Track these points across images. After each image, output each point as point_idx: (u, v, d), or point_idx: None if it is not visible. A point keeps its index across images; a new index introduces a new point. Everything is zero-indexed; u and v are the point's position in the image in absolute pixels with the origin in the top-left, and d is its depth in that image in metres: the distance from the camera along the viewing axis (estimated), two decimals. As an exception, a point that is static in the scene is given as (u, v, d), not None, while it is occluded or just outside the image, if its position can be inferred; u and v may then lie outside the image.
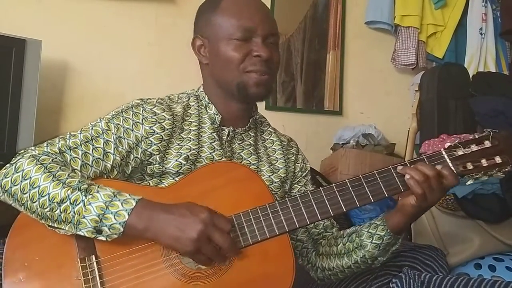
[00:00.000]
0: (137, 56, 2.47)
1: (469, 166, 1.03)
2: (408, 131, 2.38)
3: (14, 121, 1.89)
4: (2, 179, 0.97)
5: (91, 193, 0.93)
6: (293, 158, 1.29)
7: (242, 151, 1.21)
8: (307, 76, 2.74)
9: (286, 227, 1.00)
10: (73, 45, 2.35)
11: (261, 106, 2.65)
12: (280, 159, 1.26)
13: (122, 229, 0.92)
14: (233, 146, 1.20)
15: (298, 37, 2.74)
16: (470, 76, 2.36)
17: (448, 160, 1.04)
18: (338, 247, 1.16)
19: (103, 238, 0.93)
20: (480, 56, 2.67)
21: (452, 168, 1.03)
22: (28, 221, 0.97)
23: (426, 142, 1.98)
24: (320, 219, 1.02)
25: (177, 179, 1.09)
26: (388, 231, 1.07)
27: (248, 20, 1.13)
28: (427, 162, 1.04)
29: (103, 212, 0.91)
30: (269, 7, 2.59)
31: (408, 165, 1.04)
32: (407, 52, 2.71)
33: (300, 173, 1.29)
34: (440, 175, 1.01)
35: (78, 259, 0.95)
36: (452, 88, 2.24)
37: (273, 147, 1.27)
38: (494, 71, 2.65)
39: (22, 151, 1.01)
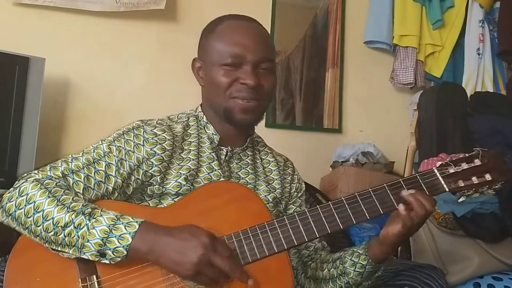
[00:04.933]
0: (139, 73, 2.49)
1: (461, 183, 1.07)
2: (407, 149, 2.40)
3: (16, 137, 1.89)
4: (6, 203, 0.97)
5: (94, 217, 0.94)
6: (289, 178, 1.30)
7: (240, 171, 1.22)
8: (306, 94, 2.76)
9: (284, 244, 1.01)
10: (75, 63, 2.37)
11: (260, 123, 2.68)
12: (276, 179, 1.27)
13: (125, 252, 0.92)
14: (231, 166, 1.21)
15: (298, 55, 2.77)
16: (468, 95, 2.39)
17: (440, 178, 1.06)
18: (323, 272, 1.17)
19: (107, 261, 0.93)
20: (478, 76, 2.69)
21: (445, 185, 1.05)
22: (30, 243, 0.98)
23: (425, 160, 1.99)
24: (317, 236, 1.03)
25: (176, 200, 1.10)
26: (369, 261, 1.09)
27: (239, 46, 1.14)
28: (420, 180, 1.07)
29: (106, 235, 0.92)
30: (269, 26, 2.68)
31: (403, 184, 1.06)
32: (406, 71, 2.73)
33: (295, 193, 1.30)
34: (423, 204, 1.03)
35: (79, 279, 0.95)
36: (450, 107, 2.26)
37: (269, 167, 1.28)
38: (491, 90, 2.67)
39: (26, 174, 1.02)
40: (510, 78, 2.77)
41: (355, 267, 1.11)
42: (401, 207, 1.03)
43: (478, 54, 2.71)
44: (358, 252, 1.11)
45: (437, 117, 2.24)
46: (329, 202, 1.05)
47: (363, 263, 1.10)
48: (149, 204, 1.12)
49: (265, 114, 2.85)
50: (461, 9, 2.79)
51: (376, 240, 1.09)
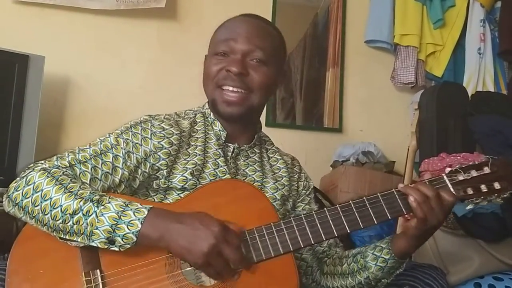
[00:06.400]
0: (138, 72, 2.49)
1: (469, 191, 1.06)
2: (408, 149, 2.39)
3: (16, 136, 1.89)
4: (13, 192, 0.96)
5: (103, 203, 0.93)
6: (296, 176, 1.30)
7: (247, 168, 1.21)
8: (307, 93, 2.76)
9: (290, 246, 1.00)
10: (75, 61, 2.37)
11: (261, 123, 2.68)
12: (285, 176, 1.27)
13: (135, 239, 0.91)
14: (238, 163, 1.21)
15: (298, 54, 2.77)
16: (469, 95, 2.38)
17: (449, 185, 1.06)
18: (343, 267, 1.16)
19: (116, 249, 0.92)
20: (479, 76, 2.69)
21: (454, 192, 1.05)
22: (32, 235, 0.97)
23: (426, 160, 1.99)
24: (324, 239, 1.02)
25: (181, 195, 1.10)
26: (392, 255, 1.08)
27: (230, 35, 1.16)
28: None
29: (115, 222, 0.91)
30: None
31: None
32: (406, 70, 2.73)
33: (304, 191, 1.30)
34: (439, 196, 1.02)
35: (83, 273, 0.94)
36: (451, 107, 2.26)
37: (277, 165, 1.28)
38: (492, 90, 2.67)
39: (32, 164, 1.00)
40: (511, 77, 2.77)
41: (377, 261, 1.10)
42: (410, 199, 1.02)
43: (479, 53, 2.71)
44: (381, 246, 1.11)
45: (438, 117, 2.24)
46: (337, 205, 1.05)
47: (385, 257, 1.09)
48: (154, 199, 1.11)
49: (264, 112, 2.85)
50: (462, 8, 2.79)
51: (400, 233, 1.09)
